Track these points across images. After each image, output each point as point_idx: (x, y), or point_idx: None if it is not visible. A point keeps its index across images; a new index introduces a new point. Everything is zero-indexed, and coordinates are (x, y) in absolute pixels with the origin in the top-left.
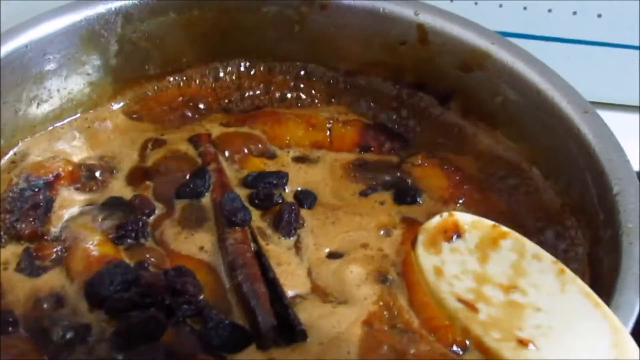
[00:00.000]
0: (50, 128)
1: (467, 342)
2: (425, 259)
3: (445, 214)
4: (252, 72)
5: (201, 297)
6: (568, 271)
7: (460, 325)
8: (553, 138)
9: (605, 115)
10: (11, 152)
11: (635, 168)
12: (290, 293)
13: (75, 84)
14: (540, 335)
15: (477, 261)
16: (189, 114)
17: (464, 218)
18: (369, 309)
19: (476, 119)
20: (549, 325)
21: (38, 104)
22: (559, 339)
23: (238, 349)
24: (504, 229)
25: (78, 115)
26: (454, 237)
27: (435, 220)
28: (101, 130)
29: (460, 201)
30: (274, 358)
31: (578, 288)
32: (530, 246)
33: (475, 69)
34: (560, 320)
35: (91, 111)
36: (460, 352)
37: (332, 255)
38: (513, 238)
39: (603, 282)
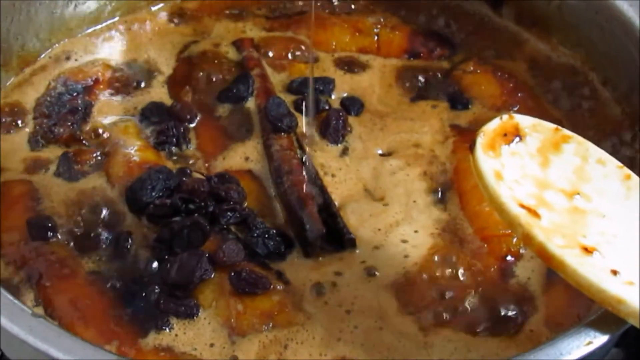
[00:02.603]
0: (89, 31)
1: (522, 252)
2: (485, 161)
3: (505, 116)
4: None
5: (245, 204)
6: (634, 176)
7: (521, 232)
8: (612, 43)
9: None
10: (47, 54)
11: None
12: (338, 199)
13: None
14: (606, 242)
15: (538, 165)
16: (232, 18)
17: (525, 121)
18: (420, 210)
19: (530, 25)
20: (614, 232)
21: (75, 6)
22: (624, 246)
23: (283, 258)
24: (567, 132)
25: (116, 18)
26: (514, 140)
27: (495, 122)
28: (140, 33)
29: (514, 109)
30: (320, 265)
31: None
32: (594, 150)
33: None
34: (625, 227)
35: (130, 14)
36: (515, 263)
37: (382, 155)
38: (576, 141)
39: None
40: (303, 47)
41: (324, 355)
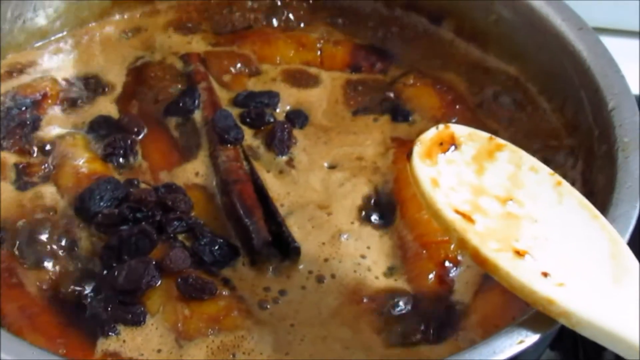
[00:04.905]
0: (37, 45)
1: (460, 258)
2: (421, 170)
3: (441, 126)
4: None
5: (192, 214)
6: (565, 183)
7: (456, 236)
8: (547, 56)
9: (605, 40)
10: None
11: (635, 92)
12: (283, 209)
13: (62, 3)
14: (537, 246)
15: (473, 173)
16: (180, 32)
17: (460, 130)
18: (363, 219)
19: (468, 39)
20: (546, 236)
21: (23, 22)
22: (556, 249)
23: (229, 265)
24: (500, 141)
25: (65, 32)
26: (450, 148)
27: (431, 132)
28: (89, 48)
29: (453, 120)
30: (266, 272)
31: (575, 200)
32: (527, 158)
33: None
34: (557, 231)
35: (79, 28)
36: (453, 269)
37: (326, 168)
38: (509, 150)
39: (597, 198)
40: (249, 61)
41: None
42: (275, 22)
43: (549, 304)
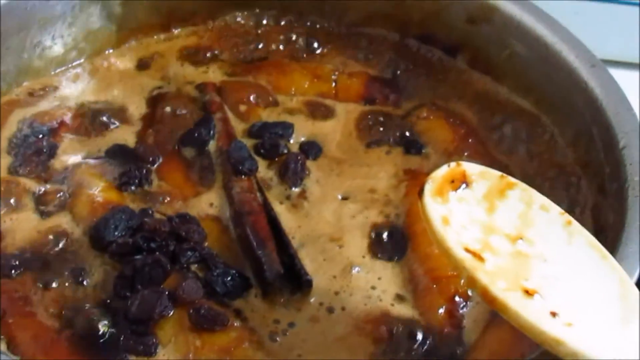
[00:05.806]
0: (55, 72)
1: (470, 294)
2: (433, 207)
3: (453, 164)
4: (258, 24)
5: (205, 244)
6: (575, 223)
7: (466, 275)
8: (560, 92)
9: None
10: (14, 96)
11: None
12: (295, 241)
13: (80, 31)
14: (547, 285)
15: (484, 211)
16: (194, 63)
17: (472, 168)
18: (374, 252)
19: (482, 73)
20: (555, 275)
21: (42, 50)
22: (565, 289)
23: (241, 297)
24: (512, 179)
25: (82, 61)
26: (462, 186)
27: (443, 169)
28: (106, 77)
29: (465, 154)
30: (277, 304)
31: (585, 239)
32: (538, 197)
33: (482, 22)
34: (566, 271)
35: (96, 56)
36: (463, 304)
37: (339, 200)
38: (520, 188)
39: (607, 235)
40: (264, 92)
41: None
42: (290, 53)
43: (558, 344)
